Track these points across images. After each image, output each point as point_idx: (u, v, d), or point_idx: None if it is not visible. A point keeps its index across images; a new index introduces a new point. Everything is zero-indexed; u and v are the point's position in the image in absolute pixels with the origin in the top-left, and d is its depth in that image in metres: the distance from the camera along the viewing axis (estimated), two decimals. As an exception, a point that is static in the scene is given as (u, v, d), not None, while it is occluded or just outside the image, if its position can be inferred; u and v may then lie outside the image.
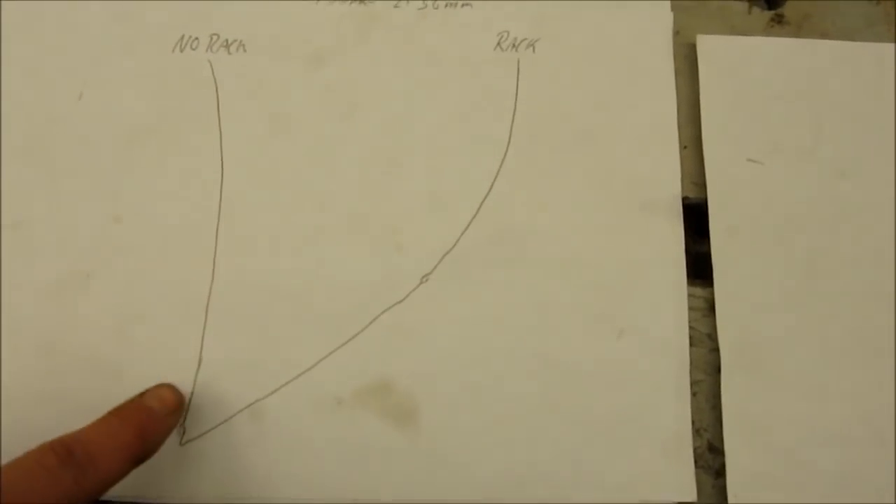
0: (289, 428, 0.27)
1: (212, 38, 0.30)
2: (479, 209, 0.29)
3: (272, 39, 0.30)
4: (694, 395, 0.28)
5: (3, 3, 0.32)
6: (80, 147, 0.30)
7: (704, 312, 0.29)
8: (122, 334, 0.28)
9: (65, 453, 0.23)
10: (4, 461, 0.26)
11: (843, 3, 0.32)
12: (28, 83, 0.31)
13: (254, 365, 0.28)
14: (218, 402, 0.28)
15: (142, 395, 0.26)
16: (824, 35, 0.32)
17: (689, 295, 0.29)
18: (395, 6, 0.31)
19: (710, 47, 0.31)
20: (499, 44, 0.31)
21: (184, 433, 0.27)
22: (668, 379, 0.28)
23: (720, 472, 0.28)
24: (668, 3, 0.31)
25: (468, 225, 0.29)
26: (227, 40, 0.30)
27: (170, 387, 0.27)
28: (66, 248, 0.29)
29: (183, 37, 0.30)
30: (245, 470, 0.27)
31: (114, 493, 0.27)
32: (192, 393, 0.28)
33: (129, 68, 0.31)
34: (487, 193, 0.29)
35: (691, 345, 0.29)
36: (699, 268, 0.29)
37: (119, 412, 0.25)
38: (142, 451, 0.24)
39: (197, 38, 0.30)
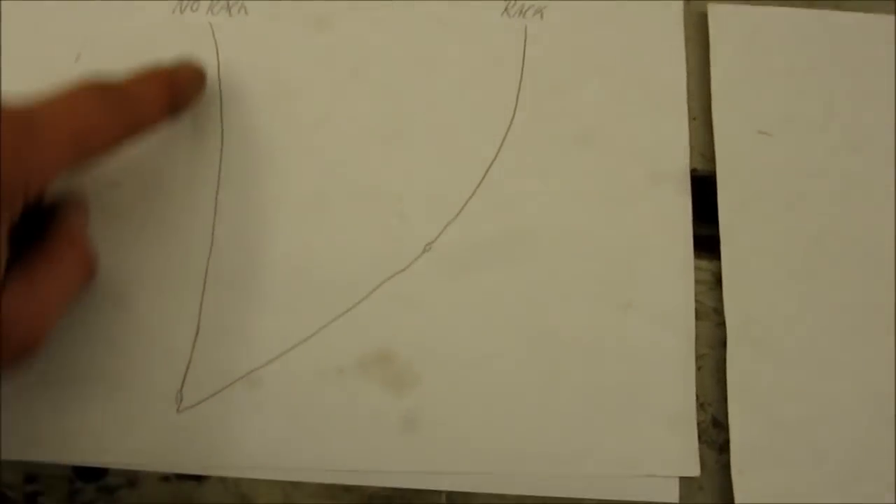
0: (288, 397, 0.27)
1: (212, 1, 0.30)
2: (483, 177, 0.29)
3: (274, 2, 0.30)
4: (699, 369, 0.28)
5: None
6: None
7: (711, 286, 0.29)
8: (120, 301, 0.28)
9: (102, 88, 0.24)
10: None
11: (859, -27, 0.32)
12: (24, 44, 0.30)
13: (253, 333, 0.28)
14: (216, 370, 0.27)
15: (169, 65, 0.26)
16: (838, 6, 0.31)
17: (696, 268, 0.29)
18: (401, -31, 0.30)
19: (722, 16, 0.30)
20: (506, 10, 0.30)
21: (181, 401, 0.27)
22: (674, 353, 0.28)
23: (724, 448, 0.27)
24: (680, -29, 0.31)
25: (472, 193, 0.29)
26: (228, 3, 0.30)
27: (196, 63, 0.27)
28: (64, 212, 0.28)
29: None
30: (243, 439, 0.27)
31: (110, 460, 0.27)
32: (189, 361, 0.27)
33: (127, 30, 0.30)
34: (492, 162, 0.29)
35: (697, 318, 0.28)
36: (706, 241, 0.29)
37: (146, 70, 0.26)
38: (172, 103, 0.26)
39: (198, 1, 0.30)
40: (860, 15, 0.31)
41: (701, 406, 0.28)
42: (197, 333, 0.28)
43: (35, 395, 0.27)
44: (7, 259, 0.21)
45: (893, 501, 0.26)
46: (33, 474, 0.27)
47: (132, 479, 0.27)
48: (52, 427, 0.27)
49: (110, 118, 0.24)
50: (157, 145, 0.29)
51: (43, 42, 0.30)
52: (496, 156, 0.29)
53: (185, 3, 0.30)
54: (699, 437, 0.27)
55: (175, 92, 0.26)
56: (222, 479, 0.27)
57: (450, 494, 0.27)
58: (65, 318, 0.27)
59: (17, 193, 0.21)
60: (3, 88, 0.29)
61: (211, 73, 0.29)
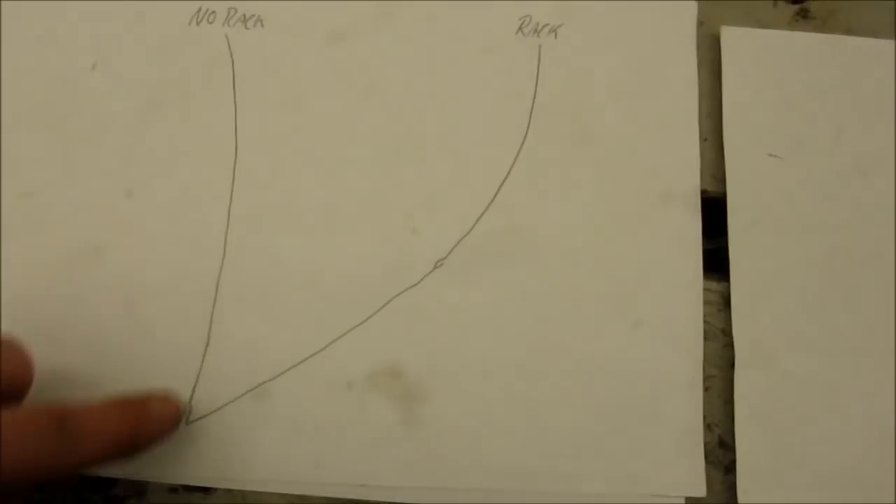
0: (297, 410, 0.27)
1: (229, 12, 0.30)
2: (495, 195, 0.29)
3: (290, 15, 0.30)
4: (706, 389, 0.28)
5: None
6: (92, 119, 0.29)
7: (719, 307, 0.29)
8: (131, 310, 0.28)
9: (58, 422, 0.22)
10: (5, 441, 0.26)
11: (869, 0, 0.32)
12: (41, 52, 0.30)
13: (263, 345, 0.28)
14: (225, 381, 0.27)
15: (146, 397, 0.25)
16: (849, 31, 0.31)
17: (705, 289, 0.29)
18: (417, -14, 0.30)
19: (735, 39, 0.31)
20: (520, 28, 0.30)
21: (190, 412, 0.27)
22: (682, 373, 0.28)
23: (730, 469, 0.27)
24: (693, -7, 0.31)
25: (484, 210, 0.29)
26: (244, 15, 0.30)
27: (174, 402, 0.26)
28: (76, 221, 0.28)
29: (200, 10, 0.30)
30: (251, 451, 0.27)
31: (118, 470, 0.27)
32: (199, 371, 0.27)
33: (144, 40, 0.30)
34: (505, 179, 0.29)
35: (705, 339, 0.28)
36: (715, 261, 0.29)
37: (120, 404, 0.24)
38: (129, 448, 0.24)
39: (214, 12, 0.30)
40: (870, 40, 0.31)
41: (708, 427, 0.28)
42: (207, 345, 0.28)
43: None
44: None
45: (898, 525, 0.27)
46: (40, 484, 0.27)
47: (140, 489, 0.27)
48: (60, 436, 0.27)
49: (54, 451, 0.22)
50: (171, 155, 0.29)
51: (59, 51, 0.30)
52: (508, 173, 0.29)
53: (201, 14, 0.30)
54: (706, 457, 0.27)
55: (139, 432, 0.24)
56: (229, 492, 0.27)
57: (457, 511, 0.27)
58: (75, 325, 0.28)
59: None
60: (22, 100, 0.30)
61: (226, 84, 0.29)
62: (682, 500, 0.27)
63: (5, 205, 0.29)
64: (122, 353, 0.27)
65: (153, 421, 0.25)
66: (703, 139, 0.30)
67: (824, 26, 0.32)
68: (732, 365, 0.28)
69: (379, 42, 0.30)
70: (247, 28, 0.30)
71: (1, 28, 0.30)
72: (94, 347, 0.28)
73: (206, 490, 0.27)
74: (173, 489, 0.27)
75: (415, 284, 0.28)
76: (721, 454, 0.28)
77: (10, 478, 0.21)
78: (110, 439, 0.23)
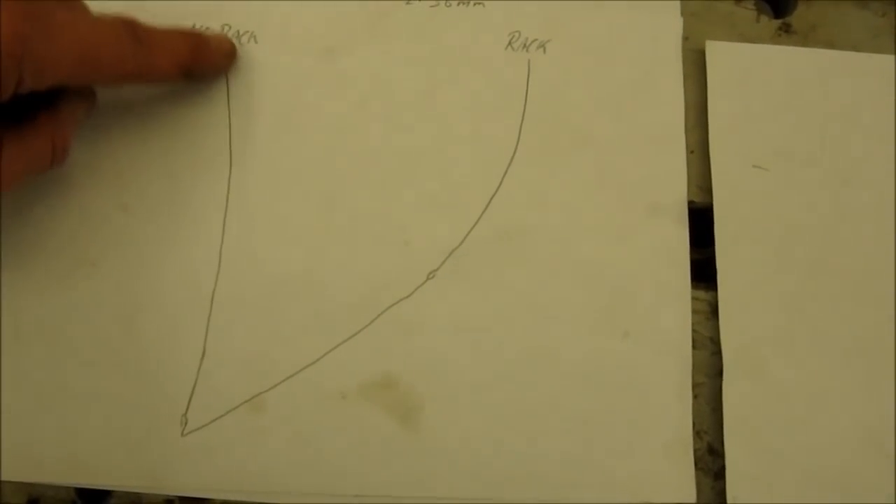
0: (292, 421, 0.27)
1: (223, 29, 0.30)
2: (486, 207, 0.29)
3: (284, 32, 0.30)
4: (695, 397, 0.29)
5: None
6: (87, 134, 0.30)
7: (707, 315, 0.29)
8: (126, 323, 0.28)
9: (132, 30, 0.25)
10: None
11: (850, 14, 0.33)
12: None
13: (258, 357, 0.28)
14: (221, 393, 0.28)
15: (204, 31, 0.29)
16: (830, 45, 0.32)
17: (693, 298, 0.29)
18: (408, 3, 0.31)
19: (719, 53, 0.31)
20: (510, 44, 0.31)
21: (185, 423, 0.27)
22: (671, 381, 0.28)
23: (719, 475, 0.28)
24: (679, 9, 0.32)
25: (476, 222, 0.29)
26: (238, 31, 0.30)
27: (230, 40, 0.29)
28: (72, 235, 0.29)
29: (194, 27, 0.30)
30: (247, 462, 0.27)
31: (114, 482, 0.27)
32: (195, 383, 0.28)
33: (139, 56, 0.31)
34: (495, 192, 0.30)
35: (693, 347, 0.29)
36: (702, 271, 0.30)
37: (180, 30, 0.28)
38: (190, 67, 0.27)
39: (208, 29, 0.30)
40: (851, 54, 0.32)
41: (697, 434, 0.28)
42: (203, 356, 0.28)
43: (39, 416, 0.27)
44: None
45: (886, 529, 0.27)
46: (36, 496, 0.27)
47: (136, 501, 0.27)
48: (56, 448, 0.27)
49: (124, 55, 0.25)
50: (166, 169, 0.29)
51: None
52: (499, 185, 0.30)
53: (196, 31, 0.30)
54: (695, 463, 0.28)
55: (196, 58, 0.28)
56: (225, 502, 0.27)
57: (451, 519, 0.27)
58: (71, 339, 0.28)
59: (10, 77, 0.22)
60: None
61: (221, 99, 0.30)
62: (673, 507, 0.27)
63: (2, 218, 0.29)
64: (119, 365, 0.28)
65: (212, 49, 0.28)
66: (689, 151, 0.31)
67: (806, 40, 0.32)
68: (720, 373, 0.28)
69: (371, 58, 0.30)
70: (241, 44, 0.30)
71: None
72: (90, 359, 0.28)
73: (201, 501, 0.27)
74: (169, 501, 0.27)
75: (407, 296, 0.29)
76: (710, 460, 0.28)
77: (95, 76, 0.25)
78: (176, 56, 0.27)
